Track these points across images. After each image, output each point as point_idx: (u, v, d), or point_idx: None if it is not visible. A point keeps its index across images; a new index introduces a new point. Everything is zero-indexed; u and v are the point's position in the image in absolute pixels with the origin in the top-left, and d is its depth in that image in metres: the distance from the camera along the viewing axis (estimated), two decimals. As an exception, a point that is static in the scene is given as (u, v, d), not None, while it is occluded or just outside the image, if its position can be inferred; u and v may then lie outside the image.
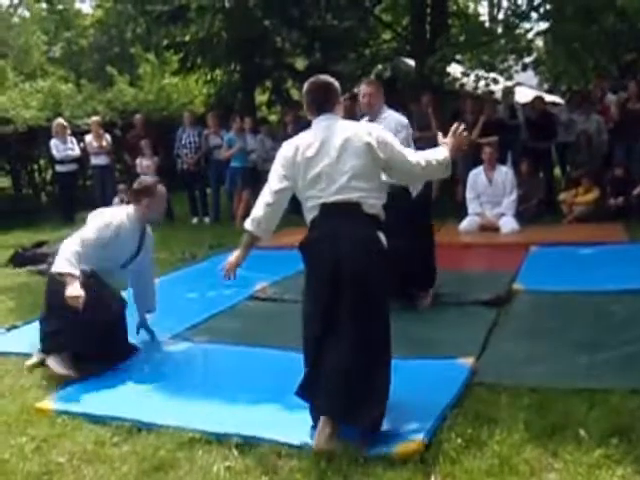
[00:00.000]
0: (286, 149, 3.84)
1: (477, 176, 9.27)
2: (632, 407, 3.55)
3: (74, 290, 4.43)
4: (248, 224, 3.84)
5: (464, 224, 9.10)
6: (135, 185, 5.15)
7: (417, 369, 4.30)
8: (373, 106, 5.81)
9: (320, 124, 3.72)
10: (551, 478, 3.07)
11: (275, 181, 3.79)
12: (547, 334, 4.86)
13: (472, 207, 9.22)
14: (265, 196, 3.80)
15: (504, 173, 9.22)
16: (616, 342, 4.55)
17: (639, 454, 3.14)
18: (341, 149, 3.56)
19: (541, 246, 7.74)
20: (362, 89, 5.93)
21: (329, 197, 3.56)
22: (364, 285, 3.46)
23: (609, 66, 13.65)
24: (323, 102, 3.75)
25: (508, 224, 8.86)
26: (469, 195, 9.27)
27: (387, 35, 17.75)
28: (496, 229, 8.91)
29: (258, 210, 3.79)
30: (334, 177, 3.55)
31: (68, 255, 4.64)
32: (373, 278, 3.50)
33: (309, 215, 3.69)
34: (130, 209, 5.05)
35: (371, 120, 5.67)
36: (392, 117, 5.75)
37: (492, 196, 9.15)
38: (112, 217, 4.92)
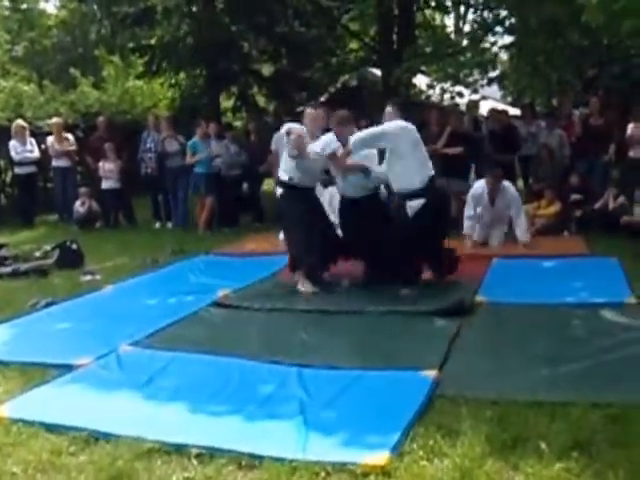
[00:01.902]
0: None
1: (480, 199, 8.68)
2: (593, 421, 3.57)
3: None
4: None
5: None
6: None
7: (380, 380, 4.28)
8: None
9: None
10: (512, 491, 3.08)
11: None
12: (508, 346, 4.88)
13: (466, 226, 8.72)
14: None
15: (507, 200, 8.56)
16: (577, 355, 4.58)
17: (599, 468, 3.16)
18: None
19: (503, 258, 7.79)
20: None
21: None
22: None
23: (573, 81, 13.84)
24: None
25: (496, 236, 8.77)
26: (468, 212, 8.74)
27: (354, 44, 17.83)
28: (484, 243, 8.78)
29: None
30: None
31: None
32: None
33: None
34: None
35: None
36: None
37: (492, 217, 8.73)
38: None
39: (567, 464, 3.19)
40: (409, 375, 4.30)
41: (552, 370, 4.35)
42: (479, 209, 8.71)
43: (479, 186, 8.77)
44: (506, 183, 8.71)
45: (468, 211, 8.73)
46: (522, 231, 8.46)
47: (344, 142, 6.57)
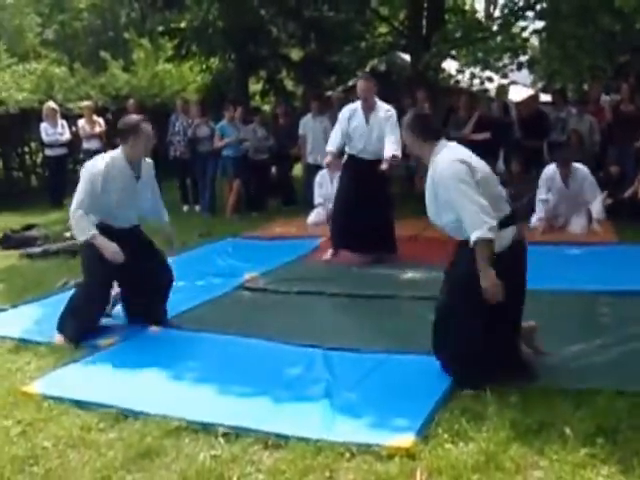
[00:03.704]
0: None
1: (553, 181, 8.50)
2: (618, 408, 3.57)
3: (109, 247, 4.85)
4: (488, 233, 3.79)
5: (534, 222, 8.59)
6: (120, 125, 5.17)
7: (406, 364, 4.31)
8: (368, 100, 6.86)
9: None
10: (536, 476, 3.09)
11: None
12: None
13: (539, 210, 8.58)
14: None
15: (581, 179, 8.41)
16: (603, 343, 4.56)
17: (623, 454, 3.16)
18: None
19: (530, 244, 7.71)
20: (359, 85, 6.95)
21: None
22: None
23: (604, 66, 13.65)
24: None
25: (578, 223, 8.48)
26: (540, 196, 8.59)
27: (383, 29, 17.72)
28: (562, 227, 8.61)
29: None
30: None
31: (78, 222, 4.91)
32: None
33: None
34: (116, 151, 5.09)
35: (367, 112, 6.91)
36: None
37: (569, 200, 8.53)
38: (95, 166, 5.00)
39: (592, 450, 3.20)
40: (435, 360, 4.31)
41: (578, 357, 4.34)
42: (551, 195, 8.56)
43: (550, 169, 8.59)
44: (577, 165, 8.50)
45: (541, 194, 8.60)
46: (597, 209, 8.33)
47: None
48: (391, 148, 6.69)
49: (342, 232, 7.23)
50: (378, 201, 7.14)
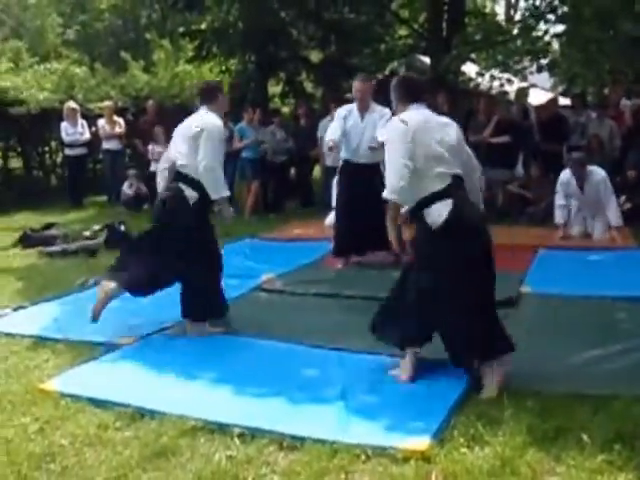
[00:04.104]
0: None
1: (569, 186, 8.46)
2: (636, 414, 3.54)
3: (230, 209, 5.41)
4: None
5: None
6: (203, 86, 5.55)
7: (422, 367, 4.29)
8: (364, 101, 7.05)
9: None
10: (552, 481, 3.08)
11: None
12: (553, 338, 4.84)
13: (558, 216, 8.55)
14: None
15: (596, 183, 8.32)
16: (622, 349, 4.53)
17: (642, 461, 3.15)
18: None
19: (550, 249, 7.72)
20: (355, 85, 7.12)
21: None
22: None
23: (625, 70, 13.57)
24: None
25: (599, 229, 8.41)
26: (559, 202, 8.54)
27: (403, 31, 17.69)
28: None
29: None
30: None
31: (218, 179, 5.16)
32: None
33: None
34: (205, 112, 5.25)
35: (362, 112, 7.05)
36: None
37: (586, 204, 8.47)
38: (215, 124, 5.19)
39: (609, 456, 3.18)
40: (451, 363, 4.30)
41: (596, 362, 4.32)
42: (572, 201, 8.51)
43: (566, 173, 8.51)
44: (592, 167, 8.40)
45: (559, 200, 8.53)
46: (613, 214, 8.22)
47: None
48: (381, 132, 6.74)
49: (347, 236, 7.21)
50: (378, 202, 7.14)
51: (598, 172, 8.37)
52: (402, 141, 3.99)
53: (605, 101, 11.06)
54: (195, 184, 5.04)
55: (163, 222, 5.14)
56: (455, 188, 4.02)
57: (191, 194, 5.04)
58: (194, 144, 5.04)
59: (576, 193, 8.44)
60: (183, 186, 5.06)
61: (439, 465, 3.17)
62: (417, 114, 4.14)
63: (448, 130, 4.16)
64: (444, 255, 3.94)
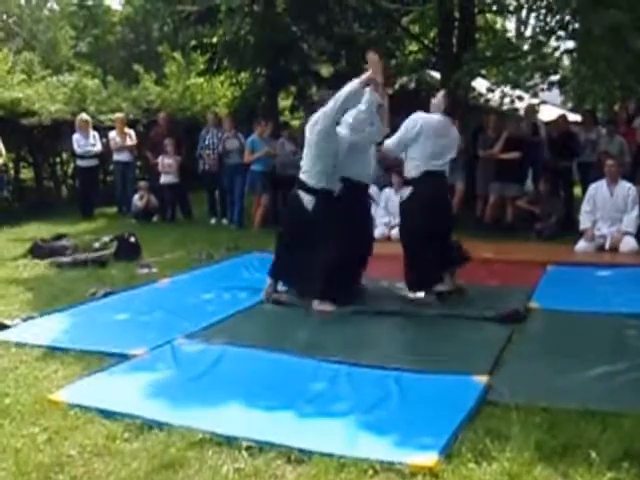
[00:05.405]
0: None
1: (598, 189, 8.76)
2: (645, 432, 3.54)
3: None
4: None
5: (580, 245, 8.67)
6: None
7: (430, 383, 4.30)
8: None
9: None
10: (560, 498, 3.07)
11: None
12: (561, 354, 4.84)
13: (584, 221, 8.76)
14: None
15: (627, 189, 8.68)
16: (631, 366, 4.52)
17: (650, 479, 3.13)
18: None
19: (558, 265, 7.70)
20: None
21: None
22: None
23: (636, 87, 13.56)
24: None
25: (628, 243, 8.44)
26: (585, 208, 8.77)
27: (414, 47, 17.74)
28: (614, 249, 8.52)
29: None
30: None
31: None
32: None
33: None
34: None
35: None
36: None
37: (612, 211, 8.65)
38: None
39: (617, 474, 3.17)
40: (460, 379, 4.30)
41: (605, 379, 4.31)
42: (598, 212, 8.73)
43: (597, 182, 8.88)
44: (627, 183, 8.78)
45: (585, 207, 8.77)
46: (629, 220, 8.49)
47: None
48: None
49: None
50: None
51: (627, 184, 8.75)
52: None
53: (615, 118, 11.05)
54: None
55: None
56: None
57: None
58: None
59: (605, 197, 8.64)
60: None
61: (447, 481, 3.17)
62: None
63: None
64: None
